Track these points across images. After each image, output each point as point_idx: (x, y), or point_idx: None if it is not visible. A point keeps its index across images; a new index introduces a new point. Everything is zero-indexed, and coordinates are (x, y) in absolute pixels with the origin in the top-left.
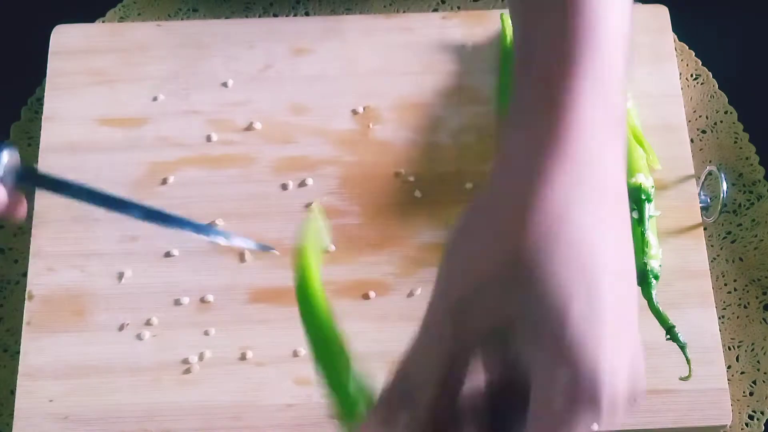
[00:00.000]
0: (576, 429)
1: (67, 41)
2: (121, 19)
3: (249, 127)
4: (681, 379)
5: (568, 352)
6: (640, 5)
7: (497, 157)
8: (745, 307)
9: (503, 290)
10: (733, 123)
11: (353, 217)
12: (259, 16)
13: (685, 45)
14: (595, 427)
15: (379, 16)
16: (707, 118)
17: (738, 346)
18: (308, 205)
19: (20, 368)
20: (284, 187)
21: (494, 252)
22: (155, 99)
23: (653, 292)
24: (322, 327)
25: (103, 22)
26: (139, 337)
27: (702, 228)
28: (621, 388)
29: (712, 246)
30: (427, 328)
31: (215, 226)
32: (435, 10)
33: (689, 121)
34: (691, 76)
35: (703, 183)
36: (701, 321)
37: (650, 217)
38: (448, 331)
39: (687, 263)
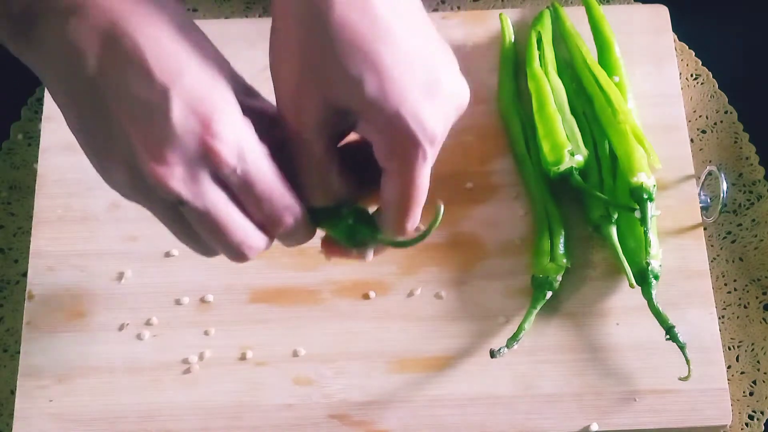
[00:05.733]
0: (415, 167)
1: None
2: None
3: None
4: (681, 379)
5: (377, 114)
6: (640, 5)
7: None
8: (745, 307)
9: (324, 73)
10: (733, 123)
11: None
12: (259, 16)
13: (685, 45)
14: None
15: None
16: (707, 118)
17: (738, 346)
18: None
19: (20, 368)
20: None
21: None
22: None
23: (653, 292)
24: None
25: None
26: (139, 337)
27: (702, 228)
28: (431, 129)
29: (712, 246)
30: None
31: None
32: (435, 10)
33: (689, 121)
34: (691, 76)
35: (703, 183)
36: (701, 321)
37: (651, 216)
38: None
39: (687, 263)
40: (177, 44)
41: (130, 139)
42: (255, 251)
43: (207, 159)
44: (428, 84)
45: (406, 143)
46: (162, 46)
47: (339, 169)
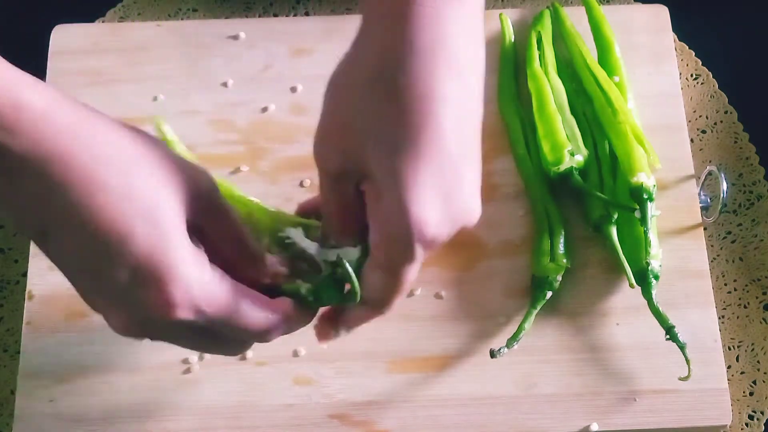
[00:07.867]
0: (402, 267)
1: (67, 41)
2: (121, 19)
3: (249, 127)
4: (681, 379)
5: (389, 193)
6: (640, 5)
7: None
8: (745, 307)
9: (359, 128)
10: (733, 123)
11: None
12: (259, 16)
13: (685, 45)
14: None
15: None
16: (707, 118)
17: (738, 346)
18: None
19: (20, 368)
20: (284, 187)
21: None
22: (155, 99)
23: (653, 292)
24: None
25: (103, 22)
26: None
27: (702, 228)
28: (431, 234)
29: (712, 246)
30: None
31: None
32: None
33: (689, 121)
34: (691, 76)
35: (703, 183)
36: (701, 321)
37: (651, 216)
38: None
39: (687, 263)
40: (124, 196)
41: (86, 288)
42: (250, 345)
43: (165, 318)
44: (450, 191)
45: (400, 243)
46: (109, 204)
47: (357, 216)
